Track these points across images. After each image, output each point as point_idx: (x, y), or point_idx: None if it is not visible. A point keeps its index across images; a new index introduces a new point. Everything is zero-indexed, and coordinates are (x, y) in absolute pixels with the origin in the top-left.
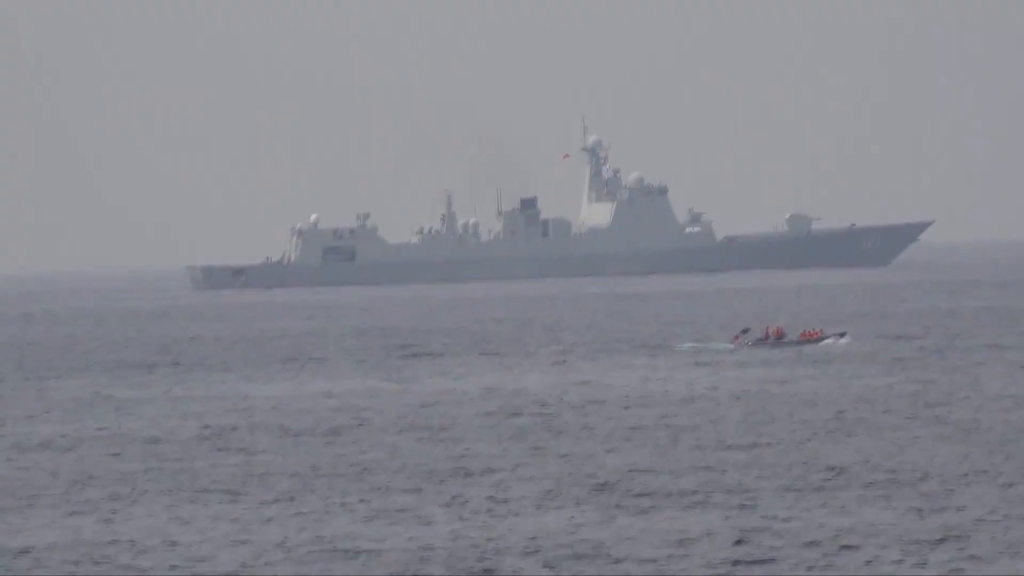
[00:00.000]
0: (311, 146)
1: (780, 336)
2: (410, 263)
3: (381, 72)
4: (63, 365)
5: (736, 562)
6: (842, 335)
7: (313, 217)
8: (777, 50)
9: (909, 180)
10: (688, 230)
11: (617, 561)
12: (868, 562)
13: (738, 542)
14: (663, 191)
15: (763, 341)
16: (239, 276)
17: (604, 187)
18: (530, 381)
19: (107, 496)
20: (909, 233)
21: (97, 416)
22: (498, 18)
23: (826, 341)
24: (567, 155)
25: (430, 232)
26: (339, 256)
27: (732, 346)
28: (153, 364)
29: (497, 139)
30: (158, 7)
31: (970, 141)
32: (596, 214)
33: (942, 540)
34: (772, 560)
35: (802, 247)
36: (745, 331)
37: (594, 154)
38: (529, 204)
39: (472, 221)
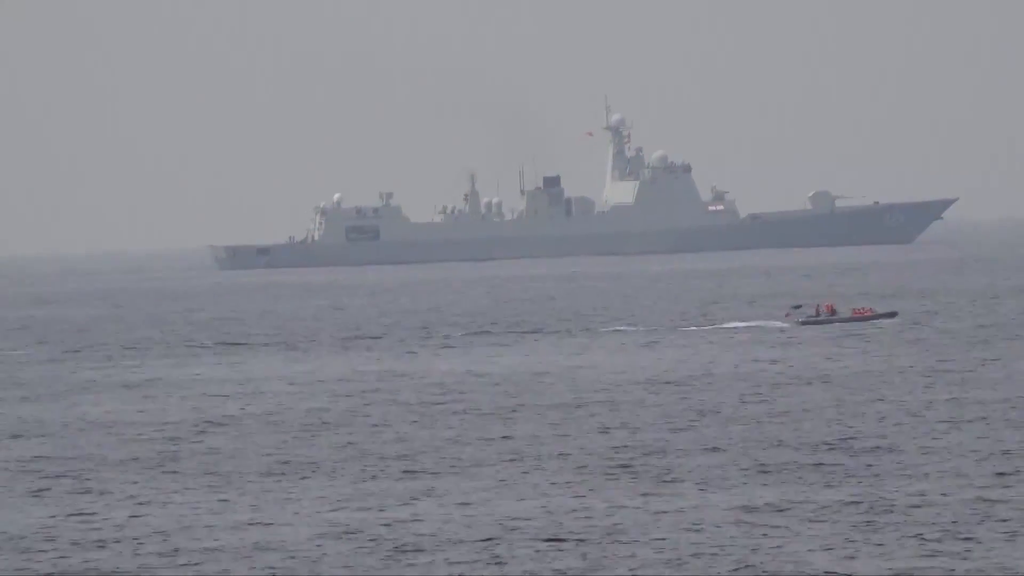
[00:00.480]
0: (334, 125)
1: (832, 313)
2: (433, 242)
3: (404, 51)
4: (146, 343)
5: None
6: (892, 314)
7: (336, 196)
8: (801, 28)
9: (933, 157)
10: (712, 208)
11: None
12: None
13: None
14: (687, 169)
15: (815, 318)
16: (263, 256)
17: (627, 166)
18: (598, 361)
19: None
20: (933, 210)
21: (206, 396)
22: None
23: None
24: (590, 133)
25: (453, 211)
26: (363, 235)
27: (784, 323)
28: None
29: (521, 118)
30: None
31: (994, 119)
32: (619, 193)
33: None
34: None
35: (826, 225)
36: (797, 307)
37: (617, 132)
38: (552, 183)
39: (495, 200)
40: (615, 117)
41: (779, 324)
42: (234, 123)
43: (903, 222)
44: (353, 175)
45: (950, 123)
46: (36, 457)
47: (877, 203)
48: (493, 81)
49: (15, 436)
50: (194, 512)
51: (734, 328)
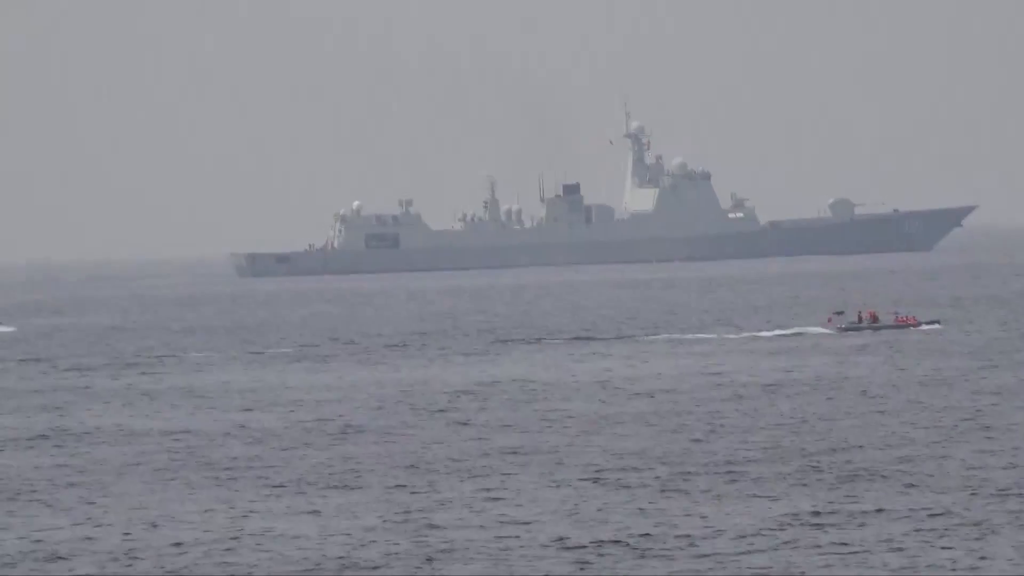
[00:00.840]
0: (354, 133)
1: (874, 320)
2: (453, 249)
3: (424, 59)
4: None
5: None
6: (935, 322)
7: (356, 204)
8: (821, 36)
9: (952, 165)
10: (731, 216)
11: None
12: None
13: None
14: (706, 177)
15: (857, 324)
16: (283, 263)
17: (647, 173)
18: (650, 367)
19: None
20: (952, 218)
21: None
22: (541, 2)
23: (920, 327)
24: (610, 141)
25: (473, 218)
26: (382, 243)
27: (825, 329)
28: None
29: (540, 125)
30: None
31: (1013, 126)
32: (639, 200)
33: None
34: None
35: (845, 232)
36: (839, 313)
37: (637, 140)
38: (572, 190)
39: (515, 207)
40: (635, 124)
41: (821, 330)
42: (254, 130)
43: (922, 230)
44: (373, 182)
45: (969, 130)
46: (59, 465)
47: (896, 211)
48: (512, 87)
49: (28, 445)
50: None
51: (777, 335)
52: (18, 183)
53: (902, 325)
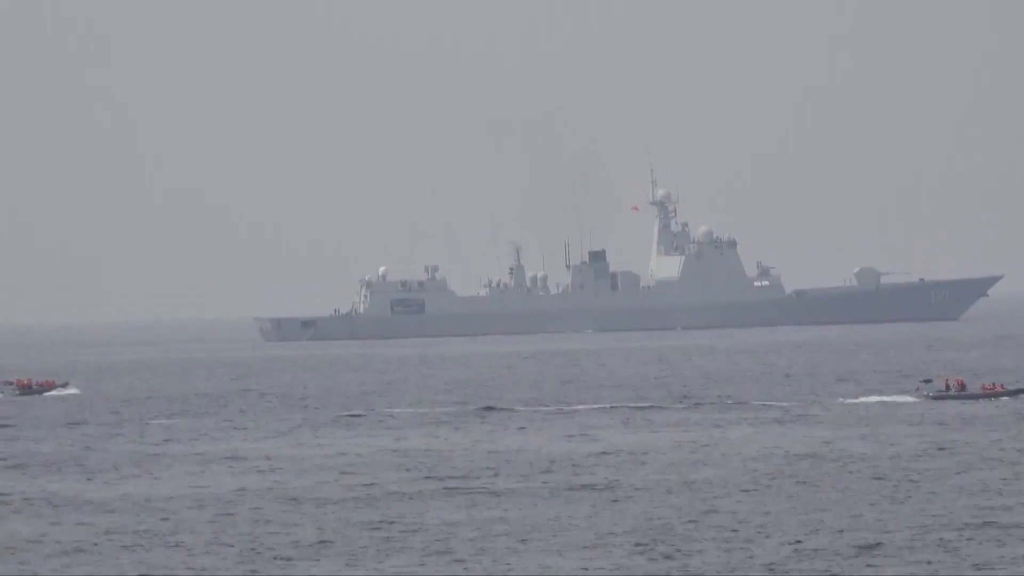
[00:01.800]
0: (380, 198)
1: (962, 388)
2: (479, 315)
3: (451, 126)
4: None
5: None
6: (1021, 390)
7: (382, 269)
8: (846, 107)
9: (977, 235)
10: (757, 284)
11: None
12: None
13: None
14: (732, 244)
15: (945, 392)
16: (308, 328)
17: (673, 240)
18: (735, 436)
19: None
20: (978, 288)
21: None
22: (564, 64)
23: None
24: (635, 208)
25: (499, 285)
26: (408, 308)
27: (913, 398)
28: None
29: (567, 190)
30: (229, 52)
31: None
32: (665, 267)
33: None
34: None
35: (871, 301)
36: (927, 381)
37: (663, 207)
38: (598, 257)
39: (541, 274)
40: (661, 192)
41: (910, 399)
42: (278, 194)
43: (949, 299)
44: (398, 248)
45: (995, 201)
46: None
47: (922, 280)
48: (539, 154)
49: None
50: None
51: (867, 402)
52: (25, 241)
53: (989, 393)
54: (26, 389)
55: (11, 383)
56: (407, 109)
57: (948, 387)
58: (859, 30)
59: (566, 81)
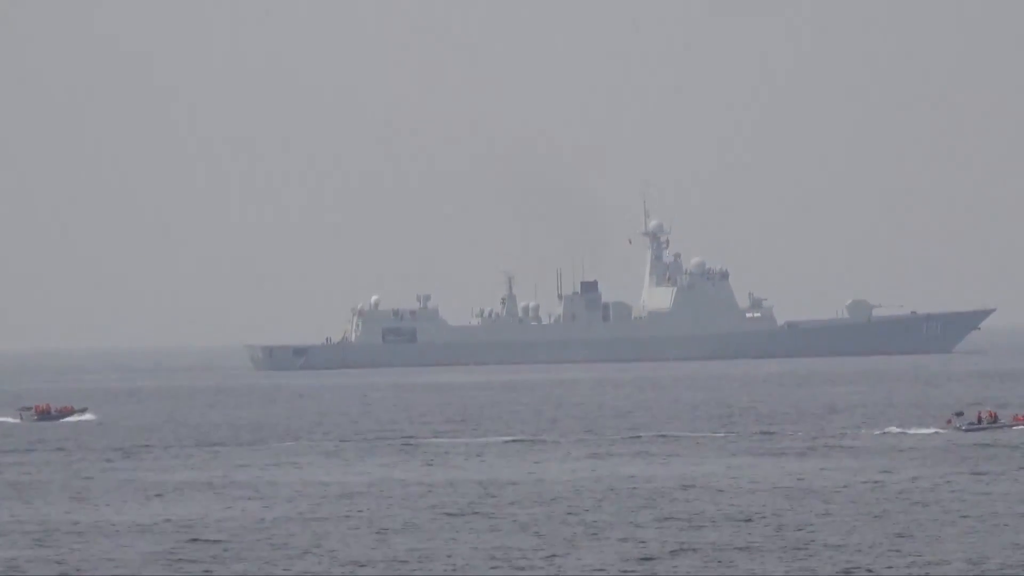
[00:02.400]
0: (371, 227)
1: (994, 419)
2: (470, 344)
3: (439, 157)
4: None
5: None
6: None
7: (374, 298)
8: (840, 139)
9: (970, 268)
10: (749, 315)
11: None
12: None
13: None
14: (724, 276)
15: (977, 425)
16: (300, 356)
17: (665, 271)
18: (766, 470)
19: None
20: (970, 321)
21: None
22: (558, 99)
23: None
24: (629, 240)
25: (491, 314)
26: (400, 337)
27: (945, 429)
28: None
29: (559, 222)
30: (223, 87)
31: None
32: (657, 298)
33: None
34: None
35: (863, 333)
36: (959, 414)
37: (655, 238)
38: (590, 287)
39: (533, 304)
40: (653, 223)
41: (941, 431)
42: (270, 223)
43: (941, 332)
44: (390, 277)
45: (987, 234)
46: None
47: (914, 313)
48: (531, 185)
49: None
50: None
51: (900, 433)
52: (25, 270)
53: (1021, 423)
54: (45, 414)
55: (30, 408)
56: (400, 139)
57: (980, 419)
58: (865, 74)
59: (559, 112)
